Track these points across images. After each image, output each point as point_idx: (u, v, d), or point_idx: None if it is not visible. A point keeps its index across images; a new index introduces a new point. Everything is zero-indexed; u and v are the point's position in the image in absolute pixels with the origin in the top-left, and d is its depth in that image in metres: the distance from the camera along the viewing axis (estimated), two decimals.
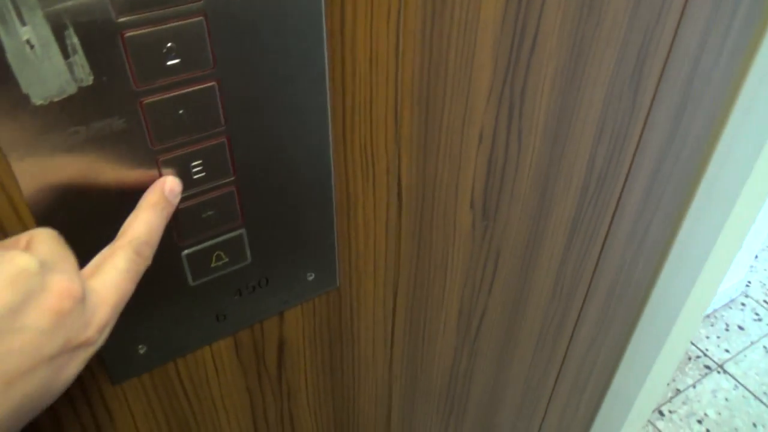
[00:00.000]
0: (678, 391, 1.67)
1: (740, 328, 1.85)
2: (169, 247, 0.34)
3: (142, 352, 0.37)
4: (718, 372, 1.71)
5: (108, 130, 0.28)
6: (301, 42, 0.31)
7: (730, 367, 1.72)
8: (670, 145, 0.61)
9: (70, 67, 0.26)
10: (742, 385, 1.66)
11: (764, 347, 1.77)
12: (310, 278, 0.42)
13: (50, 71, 0.25)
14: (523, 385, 0.76)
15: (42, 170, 0.27)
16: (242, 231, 0.36)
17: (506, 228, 0.53)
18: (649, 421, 1.59)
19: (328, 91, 0.34)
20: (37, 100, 0.26)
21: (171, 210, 0.31)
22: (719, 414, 1.59)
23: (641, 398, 0.96)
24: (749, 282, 1.97)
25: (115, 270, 0.27)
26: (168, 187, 0.30)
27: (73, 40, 0.25)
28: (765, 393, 1.63)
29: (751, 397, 1.63)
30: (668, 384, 1.64)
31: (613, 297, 0.76)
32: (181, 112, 0.30)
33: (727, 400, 1.63)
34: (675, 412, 1.61)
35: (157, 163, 0.31)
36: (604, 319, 0.79)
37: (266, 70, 0.31)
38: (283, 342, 0.45)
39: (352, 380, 0.53)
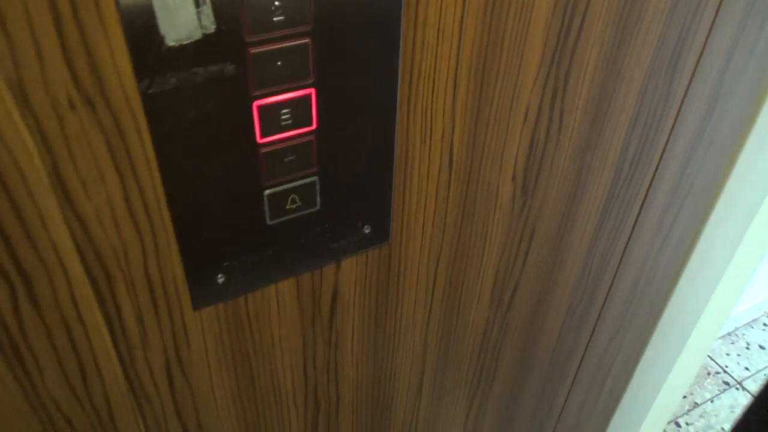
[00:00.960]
0: (696, 405, 1.68)
1: (761, 347, 1.85)
2: (254, 186, 0.39)
3: (220, 281, 0.42)
4: (737, 388, 1.72)
5: (219, 73, 0.33)
6: (383, 11, 0.36)
7: (749, 384, 1.73)
8: (699, 140, 0.64)
9: (198, 16, 0.31)
10: None
11: None
12: (367, 231, 0.47)
13: (183, 18, 0.31)
14: (547, 368, 0.80)
15: (166, 102, 0.33)
16: (315, 178, 0.41)
17: (543, 205, 0.57)
18: (665, 431, 1.60)
19: (400, 56, 0.39)
20: (170, 42, 0.31)
21: None
22: None
23: (657, 405, 0.99)
24: None
25: None
26: None
27: None
28: None
29: None
30: (686, 397, 1.65)
31: (634, 295, 0.80)
32: (279, 63, 0.35)
33: None
34: (692, 424, 1.62)
35: (253, 107, 0.36)
36: (624, 316, 0.82)
37: (351, 33, 0.36)
38: (336, 290, 0.49)
39: (393, 338, 0.57)
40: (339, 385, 0.57)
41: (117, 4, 0.29)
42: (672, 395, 0.99)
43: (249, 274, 0.43)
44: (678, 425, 1.61)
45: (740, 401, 1.67)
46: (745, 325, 1.92)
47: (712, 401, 1.67)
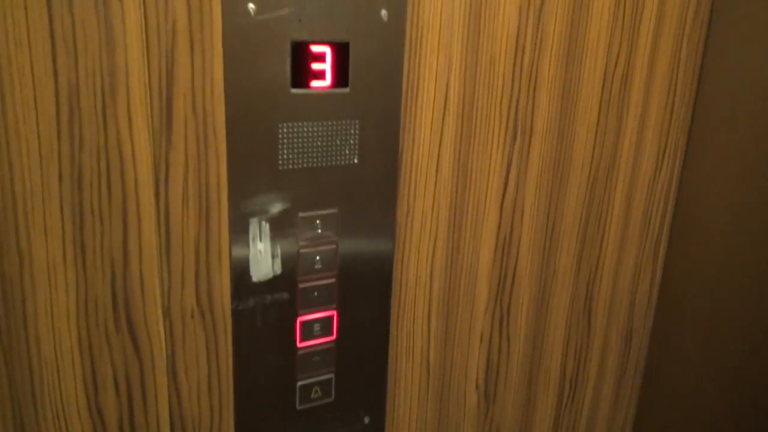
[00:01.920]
0: None
1: None
2: (291, 379, 0.56)
3: None
4: None
5: (279, 299, 0.54)
6: (380, 263, 0.58)
7: None
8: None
9: (272, 265, 0.52)
10: None
11: None
12: (366, 421, 0.62)
13: (264, 266, 0.52)
14: None
15: (245, 315, 0.52)
16: (332, 375, 0.59)
17: (503, 410, 0.73)
18: None
19: (392, 294, 0.60)
20: (254, 279, 0.52)
21: None
22: None
23: None
24: None
25: None
26: None
27: (277, 251, 0.52)
28: None
29: None
30: None
31: None
32: (315, 294, 0.55)
33: None
34: None
35: (297, 321, 0.55)
36: None
37: (360, 278, 0.58)
38: None
39: None
40: None
41: (230, 257, 0.50)
42: None
43: None
44: None
45: None
46: None
47: None
